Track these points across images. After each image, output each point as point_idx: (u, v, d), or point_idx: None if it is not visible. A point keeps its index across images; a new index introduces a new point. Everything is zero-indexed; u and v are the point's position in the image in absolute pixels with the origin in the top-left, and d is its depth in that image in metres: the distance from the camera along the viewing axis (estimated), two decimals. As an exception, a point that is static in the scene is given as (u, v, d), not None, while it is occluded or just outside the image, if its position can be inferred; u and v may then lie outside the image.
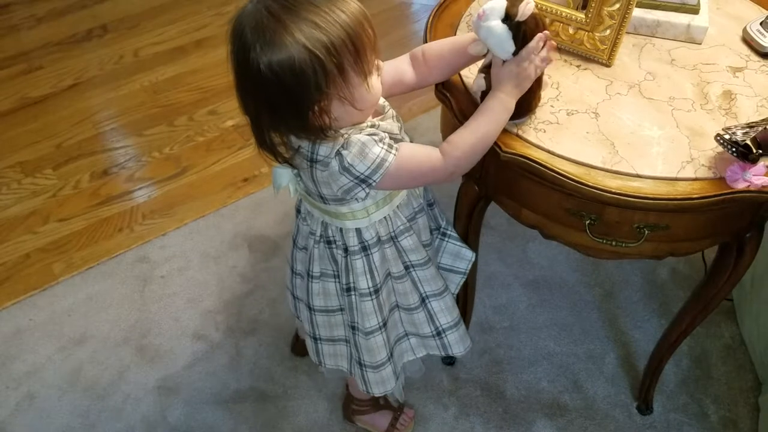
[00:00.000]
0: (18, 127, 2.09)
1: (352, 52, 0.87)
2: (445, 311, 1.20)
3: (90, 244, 1.80)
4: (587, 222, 1.04)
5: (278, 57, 0.85)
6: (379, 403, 1.45)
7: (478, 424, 1.47)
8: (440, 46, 1.07)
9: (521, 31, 0.93)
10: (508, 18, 0.92)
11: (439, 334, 1.21)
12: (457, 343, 1.23)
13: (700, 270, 1.68)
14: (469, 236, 1.27)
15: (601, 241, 1.06)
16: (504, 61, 0.96)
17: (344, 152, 0.92)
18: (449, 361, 1.54)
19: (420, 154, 0.98)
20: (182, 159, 2.00)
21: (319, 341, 1.23)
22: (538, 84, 1.00)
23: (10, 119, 2.11)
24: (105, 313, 1.65)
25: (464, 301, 1.42)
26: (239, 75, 0.91)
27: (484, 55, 1.01)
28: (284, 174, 1.03)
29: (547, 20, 1.14)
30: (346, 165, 0.92)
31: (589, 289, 1.69)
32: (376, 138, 0.93)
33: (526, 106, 1.02)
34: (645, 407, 1.48)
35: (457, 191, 1.20)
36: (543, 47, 0.96)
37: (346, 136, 0.92)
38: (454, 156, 0.97)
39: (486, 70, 1.00)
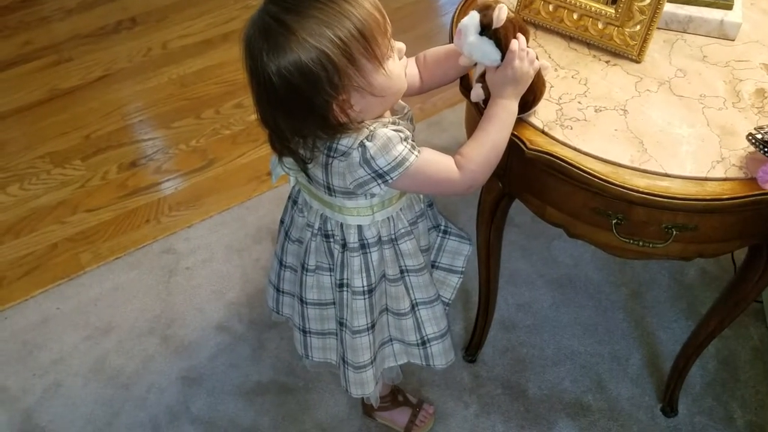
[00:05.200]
0: (47, 118, 2.12)
1: (361, 40, 0.85)
2: (433, 321, 1.18)
3: (117, 234, 1.82)
4: (614, 221, 1.02)
5: (286, 60, 0.84)
6: (398, 400, 1.44)
7: (498, 423, 1.46)
8: (437, 52, 1.07)
9: (501, 36, 0.93)
10: (485, 28, 0.93)
11: (423, 343, 1.20)
12: (440, 356, 1.21)
13: (729, 270, 1.65)
14: (492, 234, 1.26)
15: (627, 241, 1.04)
16: (497, 67, 0.96)
17: (368, 144, 0.90)
18: (470, 358, 1.54)
19: (440, 162, 0.96)
20: (208, 152, 2.02)
21: (308, 334, 1.21)
22: (537, 75, 0.99)
23: (40, 110, 2.14)
24: (131, 304, 1.67)
25: (486, 298, 1.41)
26: (254, 86, 0.90)
27: (476, 64, 1.00)
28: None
29: (575, 15, 1.12)
30: (368, 157, 0.90)
31: (614, 289, 1.67)
32: (401, 135, 0.92)
33: (532, 99, 1.00)
34: (669, 409, 1.46)
35: (481, 188, 1.19)
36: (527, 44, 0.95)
37: (371, 128, 0.91)
38: (470, 169, 0.96)
39: (482, 79, 1.00)
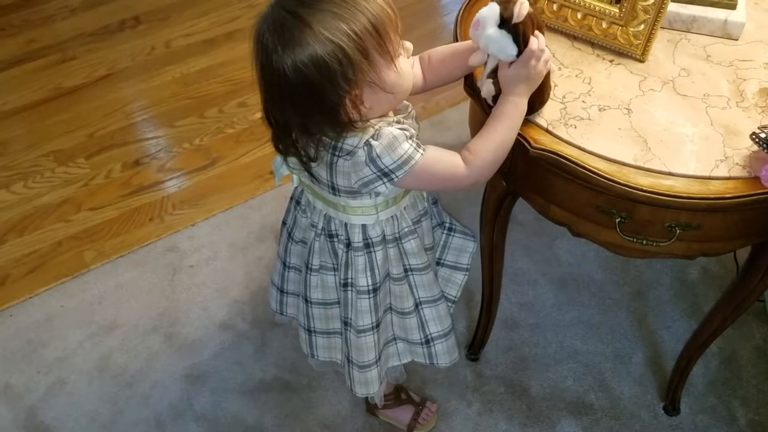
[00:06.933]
0: (52, 116, 2.12)
1: (375, 35, 0.85)
2: (437, 320, 1.18)
3: (121, 233, 1.82)
4: (617, 220, 1.03)
5: (302, 54, 0.84)
6: (401, 398, 1.45)
7: (501, 421, 1.46)
8: (443, 51, 1.07)
9: (520, 31, 0.92)
10: (505, 22, 0.91)
11: (427, 342, 1.20)
12: (444, 354, 1.21)
13: (731, 270, 1.64)
14: (496, 233, 1.26)
15: (631, 239, 1.04)
16: (510, 64, 0.95)
17: (374, 143, 0.90)
18: (473, 357, 1.54)
19: (445, 159, 0.96)
20: (212, 150, 2.02)
21: (313, 334, 1.21)
22: (546, 77, 0.98)
23: (44, 109, 2.14)
24: (135, 301, 1.68)
25: (489, 296, 1.42)
26: (265, 82, 0.89)
27: (487, 60, 0.99)
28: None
29: (579, 14, 1.12)
30: (374, 156, 0.91)
31: (617, 288, 1.67)
32: (407, 134, 0.92)
33: (539, 100, 1.00)
34: (672, 408, 1.46)
35: (484, 187, 1.19)
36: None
37: (377, 127, 0.91)
38: (477, 165, 0.96)
39: (493, 75, 0.99)
